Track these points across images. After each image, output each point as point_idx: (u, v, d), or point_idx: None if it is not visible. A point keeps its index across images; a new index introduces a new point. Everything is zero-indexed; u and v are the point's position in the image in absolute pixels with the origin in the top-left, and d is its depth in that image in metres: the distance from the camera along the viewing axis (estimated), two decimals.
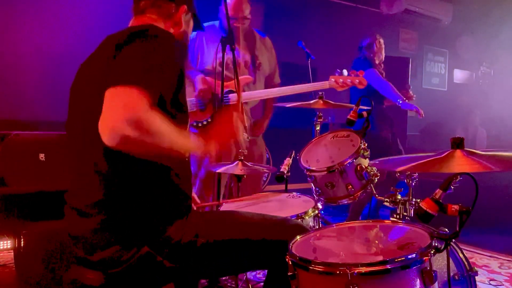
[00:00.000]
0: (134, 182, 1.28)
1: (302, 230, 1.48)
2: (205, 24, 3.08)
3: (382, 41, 3.84)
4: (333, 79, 2.77)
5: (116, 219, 1.26)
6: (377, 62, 3.80)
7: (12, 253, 2.24)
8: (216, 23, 3.09)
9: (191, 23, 1.62)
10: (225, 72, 2.40)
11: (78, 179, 1.35)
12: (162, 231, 1.30)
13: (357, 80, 2.75)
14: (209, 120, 2.90)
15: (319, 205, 1.94)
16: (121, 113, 1.06)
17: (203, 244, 1.33)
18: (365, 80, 2.80)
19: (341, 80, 2.74)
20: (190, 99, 2.99)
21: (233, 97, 2.92)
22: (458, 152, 1.36)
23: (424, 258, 1.14)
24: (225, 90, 2.81)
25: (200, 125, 2.91)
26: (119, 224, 1.26)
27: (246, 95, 2.96)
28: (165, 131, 1.15)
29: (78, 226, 1.31)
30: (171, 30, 1.50)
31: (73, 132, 1.39)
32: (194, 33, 3.05)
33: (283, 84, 3.24)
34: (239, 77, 2.94)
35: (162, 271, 1.31)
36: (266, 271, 1.52)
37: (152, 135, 1.11)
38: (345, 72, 2.75)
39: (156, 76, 1.16)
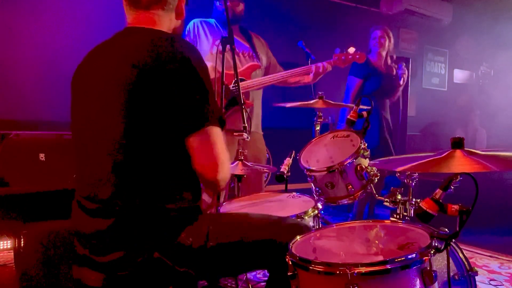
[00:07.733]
0: (148, 188, 1.28)
1: (303, 229, 1.48)
2: (201, 19, 3.09)
3: (384, 34, 3.75)
4: (336, 57, 3.01)
5: (129, 222, 1.26)
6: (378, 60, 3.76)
7: (12, 253, 2.23)
8: (211, 20, 3.09)
9: None
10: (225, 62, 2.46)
11: (92, 179, 1.33)
12: (174, 236, 1.29)
13: (357, 56, 3.00)
14: (223, 110, 2.91)
15: (319, 205, 1.94)
16: (221, 159, 1.30)
17: (212, 247, 1.33)
18: (364, 55, 3.03)
19: (343, 57, 3.00)
20: None
21: (244, 85, 2.95)
22: (458, 152, 1.36)
23: (424, 258, 1.14)
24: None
25: None
26: (131, 227, 1.26)
27: (260, 80, 3.04)
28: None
29: (89, 225, 1.30)
30: (174, 22, 1.49)
31: (85, 134, 1.37)
32: (192, 23, 3.06)
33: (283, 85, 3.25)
34: (247, 65, 3.03)
35: (171, 275, 1.30)
36: (267, 271, 1.52)
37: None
38: (351, 50, 3.01)
39: (215, 102, 1.35)
